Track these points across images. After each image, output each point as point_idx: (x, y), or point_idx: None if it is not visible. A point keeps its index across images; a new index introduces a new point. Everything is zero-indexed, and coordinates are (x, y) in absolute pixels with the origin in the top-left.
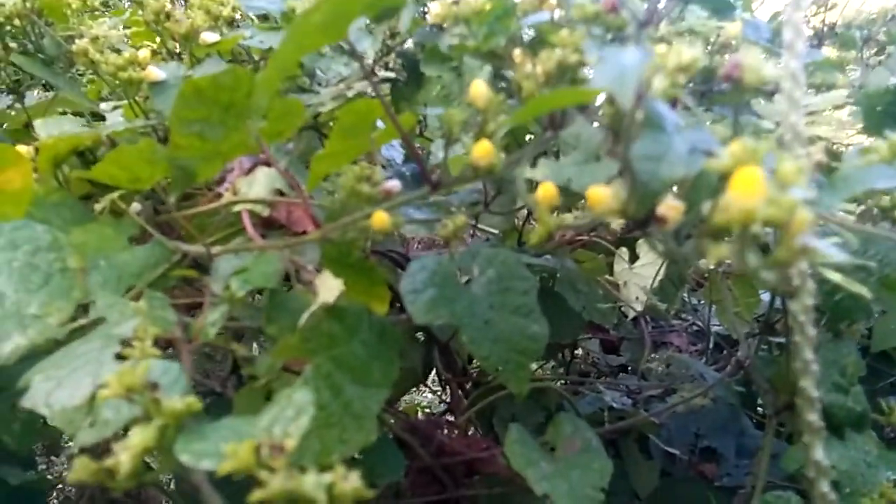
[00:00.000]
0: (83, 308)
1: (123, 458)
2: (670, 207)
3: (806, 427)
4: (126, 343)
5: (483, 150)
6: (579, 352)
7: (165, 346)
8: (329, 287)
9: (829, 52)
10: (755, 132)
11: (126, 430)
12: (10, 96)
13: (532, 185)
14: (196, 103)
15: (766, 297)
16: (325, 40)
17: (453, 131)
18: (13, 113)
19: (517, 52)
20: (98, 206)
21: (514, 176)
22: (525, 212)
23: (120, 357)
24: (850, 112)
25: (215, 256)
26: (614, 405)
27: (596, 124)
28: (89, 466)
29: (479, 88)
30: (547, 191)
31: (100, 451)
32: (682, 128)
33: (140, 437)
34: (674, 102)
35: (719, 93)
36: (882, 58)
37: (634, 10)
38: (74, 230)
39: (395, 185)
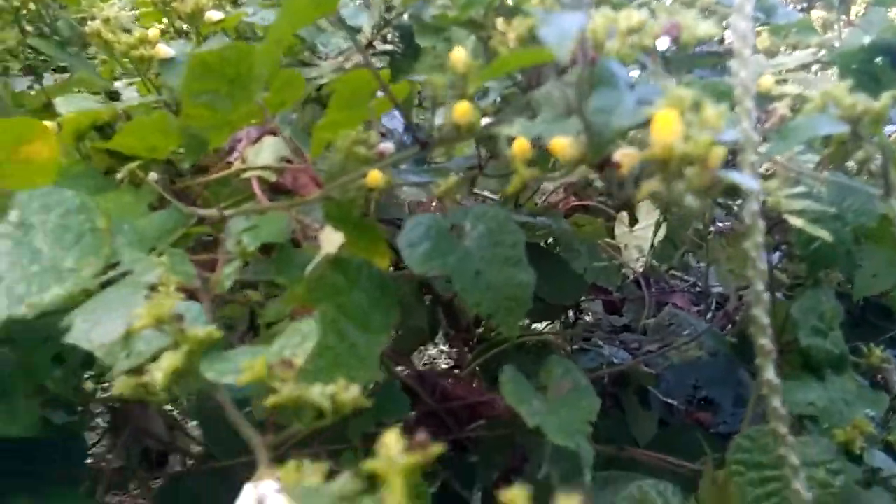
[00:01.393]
0: (110, 265)
1: (157, 376)
2: (625, 154)
3: (758, 350)
4: (152, 288)
5: (462, 110)
6: (589, 317)
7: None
8: (331, 240)
9: (818, 14)
10: (725, 91)
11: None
12: (30, 77)
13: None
14: (204, 76)
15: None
16: (318, 13)
17: (438, 94)
18: (33, 93)
19: (499, 21)
20: (119, 175)
21: (497, 134)
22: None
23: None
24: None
25: (228, 218)
26: (614, 360)
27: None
28: (129, 382)
29: (458, 55)
30: (520, 145)
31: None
32: (635, 84)
33: (170, 360)
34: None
35: (698, 56)
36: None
37: None
38: (98, 199)
39: (388, 146)
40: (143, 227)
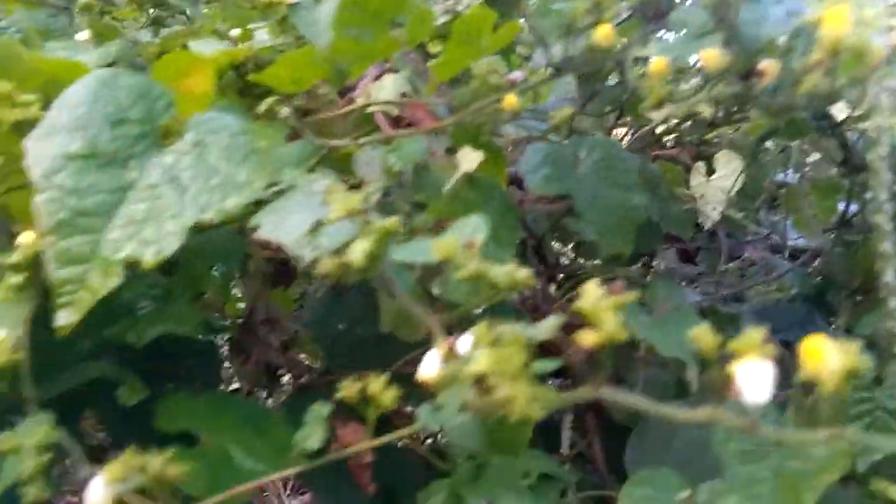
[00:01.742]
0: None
1: (354, 258)
2: (769, 65)
3: (880, 256)
4: (325, 193)
5: (604, 32)
6: (661, 265)
7: None
8: (469, 159)
9: None
10: None
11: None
12: (152, 28)
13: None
14: (353, 11)
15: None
16: None
17: (577, 20)
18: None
19: None
20: (261, 108)
21: (625, 58)
22: (614, 116)
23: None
24: None
25: (359, 148)
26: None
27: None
28: (332, 262)
29: None
30: (658, 64)
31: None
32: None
33: (361, 245)
34: None
35: None
36: None
37: None
38: None
39: (518, 75)
40: (283, 155)
